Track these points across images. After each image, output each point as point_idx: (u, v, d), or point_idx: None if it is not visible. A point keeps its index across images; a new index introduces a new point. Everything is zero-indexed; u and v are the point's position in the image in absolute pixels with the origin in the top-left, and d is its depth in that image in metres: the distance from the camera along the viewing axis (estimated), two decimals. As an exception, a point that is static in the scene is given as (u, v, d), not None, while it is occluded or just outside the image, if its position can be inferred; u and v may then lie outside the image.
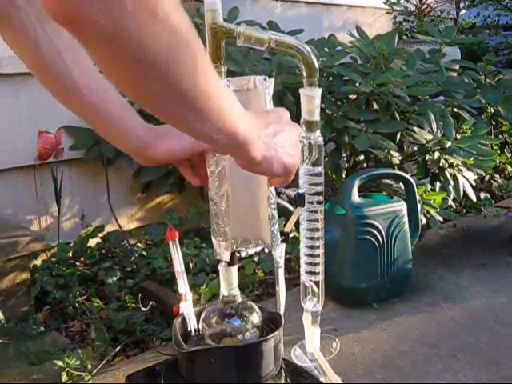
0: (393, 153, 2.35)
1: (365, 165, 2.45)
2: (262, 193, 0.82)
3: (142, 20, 0.46)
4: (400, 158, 2.41)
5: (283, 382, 0.91)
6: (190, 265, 2.01)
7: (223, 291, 0.91)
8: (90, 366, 1.52)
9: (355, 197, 1.94)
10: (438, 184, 2.40)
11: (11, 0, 0.72)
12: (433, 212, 2.25)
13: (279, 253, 0.85)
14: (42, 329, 1.72)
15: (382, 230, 1.91)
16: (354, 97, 2.48)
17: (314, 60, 0.78)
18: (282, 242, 0.94)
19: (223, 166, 0.80)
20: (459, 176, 2.38)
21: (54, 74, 0.75)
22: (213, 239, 0.85)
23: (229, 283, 0.91)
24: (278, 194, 0.92)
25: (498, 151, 3.29)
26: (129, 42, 0.47)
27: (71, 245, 2.10)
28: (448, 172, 2.37)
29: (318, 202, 0.87)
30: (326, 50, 2.57)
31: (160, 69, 0.50)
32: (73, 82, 0.74)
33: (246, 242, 0.86)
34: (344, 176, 2.47)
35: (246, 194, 0.84)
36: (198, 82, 0.53)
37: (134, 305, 1.84)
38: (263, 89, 0.77)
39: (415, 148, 2.50)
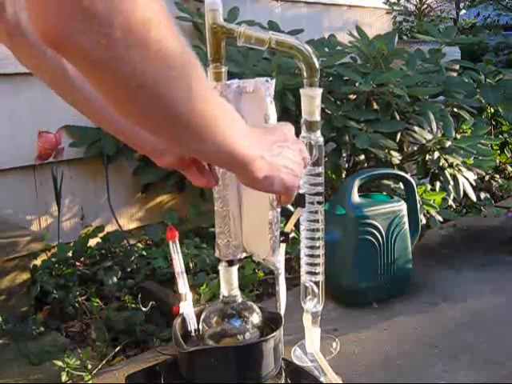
0: (393, 153, 2.35)
1: (365, 165, 2.45)
2: (265, 199, 0.82)
3: (132, 47, 0.47)
4: (400, 157, 2.41)
5: (283, 382, 0.91)
6: (190, 265, 2.01)
7: (223, 291, 0.91)
8: (90, 366, 1.52)
9: (355, 197, 1.94)
10: (437, 184, 2.40)
11: (3, 6, 0.72)
12: (433, 212, 2.25)
13: (278, 257, 0.85)
14: (42, 329, 1.72)
15: (381, 229, 1.91)
16: (354, 97, 2.48)
17: (315, 60, 0.78)
18: (282, 242, 0.94)
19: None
20: (459, 176, 2.38)
21: (84, 97, 0.76)
22: (220, 240, 0.86)
23: (229, 283, 0.91)
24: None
25: (498, 151, 3.29)
26: (118, 68, 0.48)
27: (71, 245, 2.10)
28: (448, 172, 2.37)
29: (319, 203, 0.87)
30: (326, 50, 2.57)
31: (152, 94, 0.51)
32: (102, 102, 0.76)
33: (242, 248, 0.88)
34: (344, 176, 2.47)
35: (253, 198, 0.84)
36: (194, 106, 0.54)
37: (134, 305, 1.84)
38: (264, 91, 0.77)
39: (415, 148, 2.50)
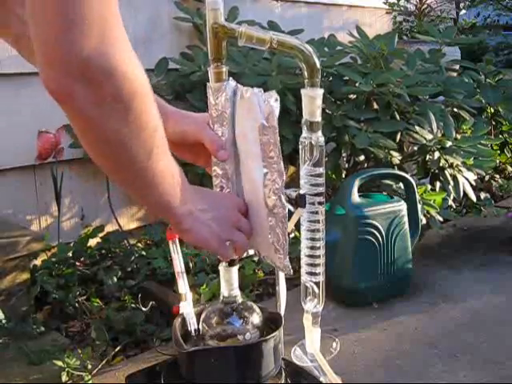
0: (393, 153, 2.35)
1: (365, 165, 2.45)
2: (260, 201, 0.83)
3: (117, 111, 0.59)
4: (400, 157, 2.40)
5: (283, 381, 0.91)
6: (190, 265, 2.01)
7: (223, 291, 0.91)
8: (90, 366, 1.52)
9: (355, 197, 1.93)
10: (438, 184, 2.40)
11: (12, 9, 0.80)
12: (433, 212, 2.25)
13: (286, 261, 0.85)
14: (42, 329, 1.72)
15: (382, 229, 1.90)
16: (354, 96, 2.48)
17: (316, 60, 0.78)
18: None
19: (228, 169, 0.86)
20: (459, 176, 2.37)
21: None
22: None
23: (229, 283, 0.90)
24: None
25: (498, 151, 3.29)
26: (100, 124, 0.59)
27: (71, 245, 2.10)
28: (448, 172, 2.37)
29: (319, 203, 0.86)
30: (326, 49, 2.57)
31: (120, 152, 0.63)
32: None
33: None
34: (344, 176, 2.47)
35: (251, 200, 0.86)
36: (150, 167, 0.66)
37: (134, 305, 1.84)
38: (257, 100, 0.77)
39: (415, 148, 2.50)
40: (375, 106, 2.42)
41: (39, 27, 0.54)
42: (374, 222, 1.90)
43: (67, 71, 0.54)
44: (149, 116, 0.63)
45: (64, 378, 1.47)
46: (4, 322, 1.66)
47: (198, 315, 0.92)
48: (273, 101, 0.76)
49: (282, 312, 0.98)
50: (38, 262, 1.95)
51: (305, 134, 0.84)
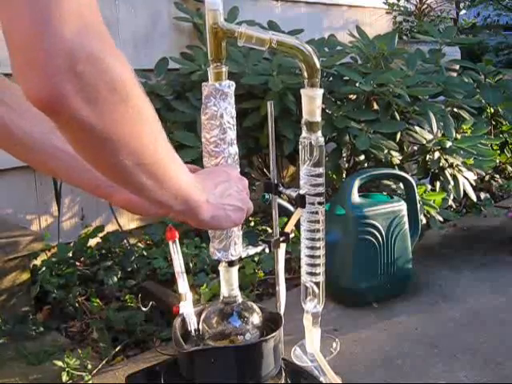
0: (393, 153, 2.35)
1: (365, 165, 2.45)
2: None
3: (116, 104, 0.52)
4: (400, 158, 2.40)
5: (283, 381, 0.91)
6: (190, 265, 2.01)
7: (223, 291, 0.91)
8: (90, 366, 1.52)
9: (355, 197, 1.93)
10: (438, 184, 2.40)
11: None
12: (433, 212, 2.25)
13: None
14: (42, 329, 1.72)
15: (382, 229, 1.90)
16: (355, 97, 2.48)
17: (316, 60, 0.78)
18: (283, 242, 0.94)
19: None
20: (459, 176, 2.38)
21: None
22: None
23: (229, 283, 0.90)
24: (279, 194, 0.92)
25: (498, 151, 3.29)
26: (106, 133, 0.52)
27: (71, 245, 2.10)
28: (448, 172, 2.37)
29: (319, 203, 0.86)
30: (326, 49, 2.57)
31: (129, 150, 0.56)
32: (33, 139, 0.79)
33: None
34: (344, 176, 2.47)
35: None
36: (158, 158, 0.60)
37: (134, 305, 1.84)
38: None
39: (415, 148, 2.50)
40: (375, 106, 2.42)
41: (13, 33, 0.46)
42: (374, 222, 1.90)
43: (52, 68, 0.46)
44: (144, 102, 0.56)
45: (64, 378, 1.47)
46: (3, 323, 1.66)
47: (198, 315, 0.92)
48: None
49: (282, 312, 0.98)
50: (38, 261, 1.95)
51: (304, 134, 0.84)
